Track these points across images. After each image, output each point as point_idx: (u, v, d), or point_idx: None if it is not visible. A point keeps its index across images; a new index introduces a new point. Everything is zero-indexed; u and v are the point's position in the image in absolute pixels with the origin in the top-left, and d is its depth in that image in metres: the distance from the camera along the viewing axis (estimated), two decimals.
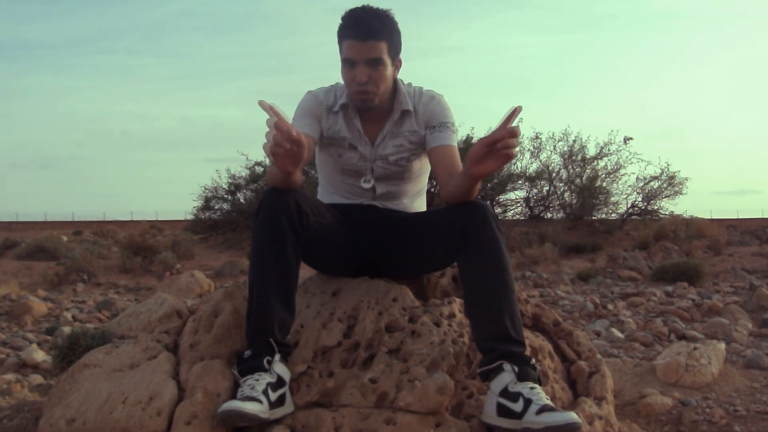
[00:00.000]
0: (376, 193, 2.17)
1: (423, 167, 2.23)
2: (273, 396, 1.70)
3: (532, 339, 2.07)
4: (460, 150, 2.11)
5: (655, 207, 15.44)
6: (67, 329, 4.14)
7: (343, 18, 1.99)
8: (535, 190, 15.91)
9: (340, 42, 2.01)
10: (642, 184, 15.46)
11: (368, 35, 1.94)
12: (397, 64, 2.06)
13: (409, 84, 2.16)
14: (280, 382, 1.74)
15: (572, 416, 1.60)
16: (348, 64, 1.99)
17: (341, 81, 2.12)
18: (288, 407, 1.75)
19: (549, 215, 15.94)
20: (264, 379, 1.72)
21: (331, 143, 2.13)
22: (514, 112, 1.66)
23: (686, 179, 15.32)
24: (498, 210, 15.12)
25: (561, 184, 15.70)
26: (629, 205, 15.55)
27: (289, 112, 2.11)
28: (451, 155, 2.06)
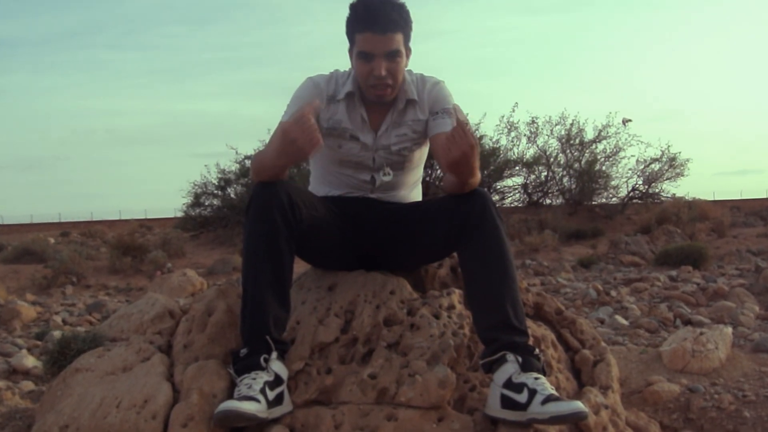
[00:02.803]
0: (376, 185, 2.12)
1: (422, 157, 2.20)
2: (271, 395, 1.67)
3: (534, 328, 2.04)
4: None
5: (657, 190, 15.41)
6: (57, 333, 4.08)
7: (355, 8, 1.92)
8: (533, 176, 15.87)
9: (351, 34, 1.95)
10: (642, 166, 15.42)
11: (387, 28, 1.88)
12: (408, 53, 2.01)
13: (410, 71, 2.10)
14: (277, 381, 1.71)
15: (578, 405, 1.59)
16: (364, 57, 1.93)
17: (332, 70, 2.07)
18: (286, 406, 1.72)
19: (548, 201, 15.91)
20: (261, 378, 1.68)
21: (331, 134, 2.07)
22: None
23: (687, 160, 15.29)
24: (496, 197, 15.08)
25: (559, 169, 15.66)
26: (630, 189, 15.52)
27: (283, 101, 2.07)
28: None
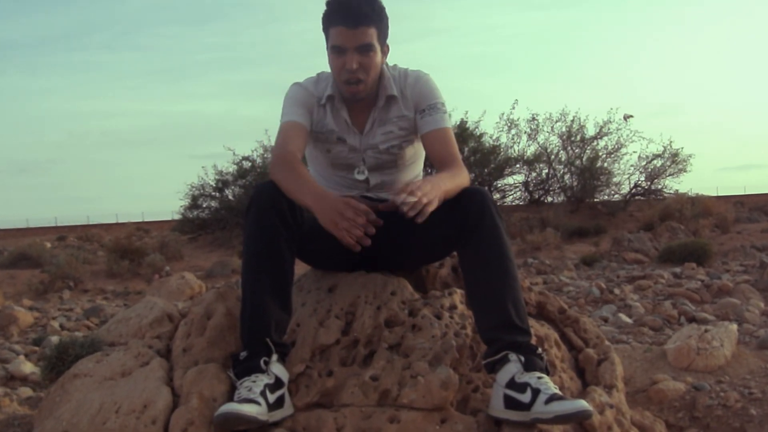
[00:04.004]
0: (370, 185, 2.11)
1: (416, 154, 2.17)
2: (271, 398, 1.66)
3: (537, 328, 2.02)
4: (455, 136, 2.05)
5: (659, 186, 15.35)
6: (54, 339, 4.08)
7: (329, 3, 1.92)
8: (534, 174, 15.83)
9: (326, 29, 1.95)
10: (644, 162, 15.36)
11: (358, 21, 1.87)
12: (385, 50, 2.00)
13: (394, 66, 2.08)
14: (278, 383, 1.70)
15: (583, 404, 1.57)
16: (336, 51, 1.92)
17: (326, 70, 2.06)
18: (287, 409, 1.70)
19: (549, 199, 15.87)
20: (261, 381, 1.67)
21: (319, 138, 2.07)
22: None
23: (690, 156, 15.21)
24: (496, 195, 15.05)
25: (560, 167, 15.61)
26: (632, 185, 15.46)
27: (276, 103, 2.06)
28: (443, 138, 2.00)
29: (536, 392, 1.61)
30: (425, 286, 2.17)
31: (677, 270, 6.49)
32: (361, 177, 2.09)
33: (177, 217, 15.62)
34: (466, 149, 14.19)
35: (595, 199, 15.29)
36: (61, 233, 20.66)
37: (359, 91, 1.97)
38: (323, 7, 1.95)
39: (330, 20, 1.92)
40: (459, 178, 1.88)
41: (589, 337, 2.14)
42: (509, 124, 15.44)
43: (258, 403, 1.60)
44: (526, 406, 1.61)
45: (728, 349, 2.75)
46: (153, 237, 15.45)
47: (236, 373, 1.73)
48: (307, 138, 2.01)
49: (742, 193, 29.60)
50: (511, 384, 1.65)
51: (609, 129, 15.36)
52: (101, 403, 1.74)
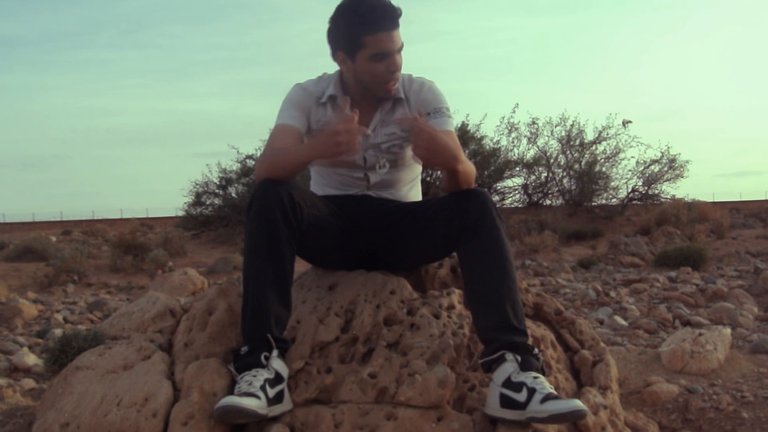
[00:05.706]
0: (371, 183, 2.13)
1: None
2: (271, 392, 1.68)
3: (533, 329, 2.04)
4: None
5: (656, 191, 15.36)
6: (58, 331, 4.08)
7: (360, 13, 1.89)
8: (533, 177, 15.86)
9: (361, 37, 1.90)
10: (642, 168, 15.38)
11: (395, 23, 1.92)
12: None
13: None
14: (278, 379, 1.72)
15: (577, 403, 1.59)
16: (381, 57, 1.92)
17: (324, 72, 2.09)
18: (286, 405, 1.72)
19: (548, 202, 15.89)
20: (261, 376, 1.69)
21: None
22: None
23: (687, 162, 15.25)
24: (496, 198, 15.07)
25: (559, 170, 15.64)
26: (630, 190, 15.48)
27: (276, 103, 2.08)
28: (449, 138, 2.02)
29: (532, 392, 1.63)
30: (424, 286, 2.19)
31: (673, 274, 6.53)
32: (383, 171, 2.12)
33: (181, 213, 15.63)
34: (467, 151, 14.20)
35: (593, 203, 15.32)
36: (66, 227, 20.64)
37: (395, 88, 2.02)
38: (329, 12, 1.95)
39: (366, 29, 1.89)
40: (469, 163, 1.90)
41: (585, 338, 2.16)
42: (510, 128, 15.47)
43: (258, 397, 1.62)
44: (522, 405, 1.63)
45: (722, 353, 2.78)
46: (157, 233, 15.45)
47: (237, 367, 1.75)
48: (298, 140, 2.02)
49: (738, 199, 29.65)
50: (508, 383, 1.67)
51: (608, 134, 15.40)
52: (103, 396, 1.76)
